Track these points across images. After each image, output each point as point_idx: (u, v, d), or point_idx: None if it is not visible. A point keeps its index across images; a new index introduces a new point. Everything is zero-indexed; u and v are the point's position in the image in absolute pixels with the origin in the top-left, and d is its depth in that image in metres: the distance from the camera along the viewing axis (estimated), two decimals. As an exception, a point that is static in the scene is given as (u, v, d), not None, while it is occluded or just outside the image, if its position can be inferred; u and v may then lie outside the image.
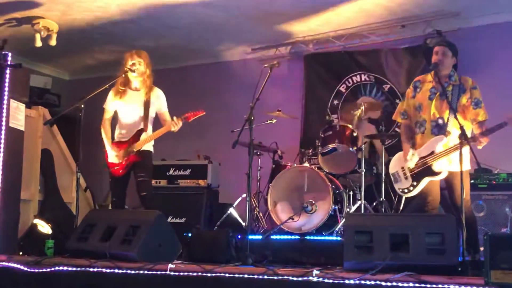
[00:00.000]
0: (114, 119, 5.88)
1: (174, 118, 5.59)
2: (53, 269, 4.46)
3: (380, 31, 7.67)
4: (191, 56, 8.99)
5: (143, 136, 5.65)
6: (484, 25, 7.10)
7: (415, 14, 7.17)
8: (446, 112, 4.93)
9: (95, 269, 4.36)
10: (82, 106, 5.44)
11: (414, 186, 5.04)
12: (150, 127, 5.72)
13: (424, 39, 7.17)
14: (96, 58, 9.32)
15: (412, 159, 5.03)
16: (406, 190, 5.11)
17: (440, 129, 4.95)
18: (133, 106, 5.72)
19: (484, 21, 7.09)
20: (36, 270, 4.49)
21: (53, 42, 7.60)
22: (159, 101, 5.76)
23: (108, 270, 4.32)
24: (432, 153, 4.92)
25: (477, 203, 5.99)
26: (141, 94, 5.72)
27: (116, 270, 4.30)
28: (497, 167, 6.20)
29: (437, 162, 4.89)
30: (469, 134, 4.69)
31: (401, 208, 6.16)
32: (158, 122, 5.81)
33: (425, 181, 4.98)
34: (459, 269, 3.96)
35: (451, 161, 4.85)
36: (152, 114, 5.74)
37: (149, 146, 5.73)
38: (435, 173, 4.93)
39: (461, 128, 4.44)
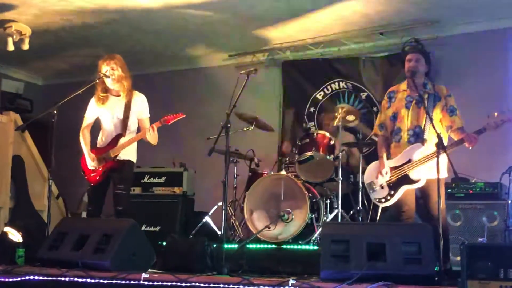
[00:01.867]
0: (97, 126, 5.78)
1: (153, 125, 5.51)
2: (23, 278, 4.37)
3: (358, 39, 7.68)
4: (167, 62, 8.93)
5: (121, 141, 5.56)
6: (462, 33, 7.15)
7: (393, 22, 7.20)
8: (423, 120, 4.93)
9: (67, 279, 4.29)
10: (55, 111, 5.32)
11: (392, 195, 5.03)
12: (130, 132, 5.62)
13: (402, 47, 7.18)
14: (69, 63, 9.21)
15: (384, 175, 5.03)
16: (383, 200, 5.10)
17: (418, 138, 4.95)
18: (115, 112, 5.64)
19: (462, 30, 7.14)
20: (6, 279, 4.40)
21: (25, 46, 7.48)
22: (140, 107, 5.67)
23: (80, 280, 4.25)
24: (410, 161, 4.91)
25: (454, 213, 5.99)
26: (122, 98, 5.64)
27: (89, 280, 4.23)
28: (474, 177, 6.22)
29: (414, 170, 4.88)
30: (445, 143, 4.68)
31: (378, 218, 6.15)
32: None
33: (402, 190, 4.97)
34: (436, 278, 3.95)
35: (428, 168, 4.84)
36: (132, 119, 5.64)
37: (130, 156, 5.64)
38: (412, 181, 4.92)
39: (438, 136, 4.43)
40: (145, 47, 8.35)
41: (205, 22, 7.38)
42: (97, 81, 5.56)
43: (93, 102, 5.72)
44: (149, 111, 5.71)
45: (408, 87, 5.10)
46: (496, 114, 4.62)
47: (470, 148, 4.73)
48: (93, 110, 5.72)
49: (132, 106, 5.61)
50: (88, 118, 5.75)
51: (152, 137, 5.48)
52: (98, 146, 5.69)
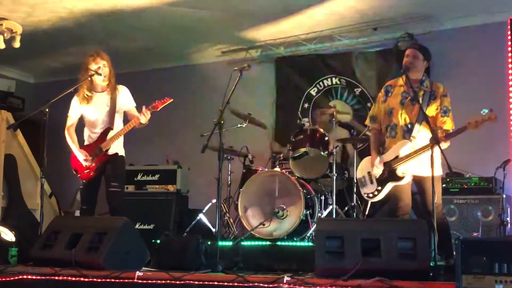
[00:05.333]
0: (82, 124, 5.75)
1: (143, 108, 5.49)
2: (16, 277, 4.35)
3: (351, 34, 7.66)
4: (159, 59, 8.90)
5: (110, 134, 5.54)
6: (455, 28, 7.16)
7: (387, 17, 7.18)
8: (415, 117, 4.91)
9: (60, 278, 4.27)
10: (47, 110, 5.29)
11: (379, 191, 5.02)
12: (117, 125, 5.60)
13: (396, 42, 7.19)
14: (61, 61, 9.16)
15: (379, 166, 5.01)
16: (371, 195, 5.09)
17: (410, 134, 4.92)
18: (101, 108, 5.63)
19: (455, 24, 7.15)
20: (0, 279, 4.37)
21: (17, 44, 7.36)
22: (125, 98, 5.69)
23: (73, 279, 4.23)
24: (397, 157, 4.89)
25: (449, 208, 6.00)
26: (107, 94, 5.64)
27: (82, 279, 4.21)
28: (469, 171, 6.22)
29: (401, 167, 4.86)
30: None
31: (366, 212, 6.15)
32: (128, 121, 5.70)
33: (389, 186, 4.96)
34: (431, 274, 3.94)
35: (422, 165, 4.82)
36: (119, 112, 5.65)
37: (120, 150, 5.63)
38: (398, 178, 4.90)
39: (433, 131, 4.41)
40: (138, 45, 8.31)
41: (198, 19, 7.34)
42: (89, 78, 5.55)
43: (76, 100, 5.69)
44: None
45: (404, 82, 5.07)
46: (482, 112, 4.60)
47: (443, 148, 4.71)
48: (77, 109, 5.70)
49: (117, 99, 5.62)
50: (72, 117, 5.73)
51: (144, 120, 5.47)
52: (86, 143, 5.67)
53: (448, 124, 4.86)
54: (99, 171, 5.56)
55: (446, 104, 4.92)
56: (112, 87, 5.62)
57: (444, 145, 4.65)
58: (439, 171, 4.77)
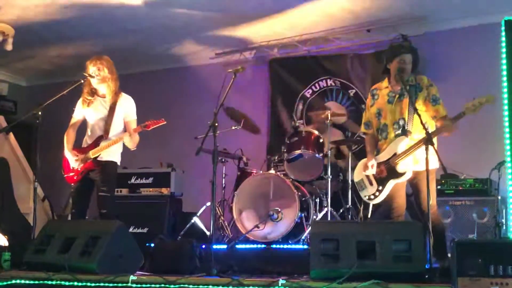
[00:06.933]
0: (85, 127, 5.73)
1: (131, 130, 5.46)
2: (9, 282, 4.36)
3: (345, 36, 7.67)
4: (153, 61, 8.88)
5: (102, 143, 5.50)
6: (449, 29, 7.16)
7: (381, 18, 7.19)
8: (406, 112, 4.91)
9: (54, 282, 4.28)
10: (40, 113, 5.27)
11: (380, 191, 4.97)
12: (114, 133, 5.55)
13: (390, 43, 7.16)
14: (54, 63, 9.14)
15: (372, 168, 4.98)
16: (372, 197, 5.04)
17: (403, 130, 4.91)
18: (100, 113, 5.59)
19: (450, 25, 7.16)
20: (-8, 284, 4.38)
21: (9, 47, 7.38)
22: (126, 108, 5.62)
23: (67, 283, 4.24)
24: (395, 154, 4.87)
25: (444, 209, 5.98)
26: (107, 100, 5.59)
27: (75, 283, 4.22)
28: (464, 173, 6.21)
29: (400, 163, 4.84)
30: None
31: (369, 216, 6.12)
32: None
33: (390, 184, 4.92)
34: (426, 276, 3.94)
35: (417, 160, 4.80)
36: (116, 120, 5.58)
37: (114, 157, 5.57)
38: (399, 174, 4.87)
39: (427, 132, 4.39)
40: (131, 46, 8.28)
41: (192, 20, 7.33)
42: (82, 81, 5.53)
43: (79, 102, 5.69)
44: (136, 112, 5.66)
45: (389, 83, 5.07)
46: (474, 98, 4.60)
47: (449, 136, 4.68)
48: (79, 111, 5.69)
49: (117, 108, 5.56)
50: (74, 118, 5.72)
51: (130, 142, 5.44)
52: (82, 146, 5.64)
53: (442, 111, 4.85)
54: (85, 176, 5.51)
55: (434, 93, 4.91)
56: (112, 92, 5.57)
57: (454, 129, 4.63)
58: (435, 164, 4.74)
